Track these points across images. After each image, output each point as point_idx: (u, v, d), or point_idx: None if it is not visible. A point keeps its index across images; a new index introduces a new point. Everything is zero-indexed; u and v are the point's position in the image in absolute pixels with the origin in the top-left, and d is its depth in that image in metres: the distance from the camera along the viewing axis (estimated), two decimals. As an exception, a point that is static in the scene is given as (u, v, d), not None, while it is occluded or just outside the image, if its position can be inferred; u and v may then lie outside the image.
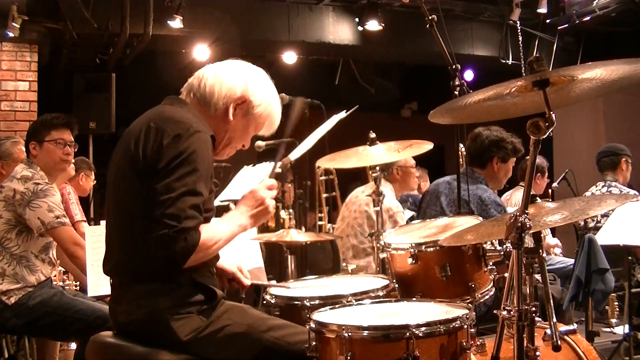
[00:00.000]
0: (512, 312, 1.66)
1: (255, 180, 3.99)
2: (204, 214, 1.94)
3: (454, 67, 2.80)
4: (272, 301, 2.22)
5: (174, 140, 1.89)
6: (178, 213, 1.82)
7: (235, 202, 4.06)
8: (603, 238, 3.88)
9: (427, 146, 2.79)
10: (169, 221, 1.81)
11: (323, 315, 1.91)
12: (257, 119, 2.17)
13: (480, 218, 2.54)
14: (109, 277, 2.08)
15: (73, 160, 3.52)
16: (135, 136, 1.96)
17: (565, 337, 2.28)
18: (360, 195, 4.12)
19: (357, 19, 7.26)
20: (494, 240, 2.32)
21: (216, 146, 2.12)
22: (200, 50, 7.14)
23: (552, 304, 1.82)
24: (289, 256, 2.78)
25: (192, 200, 1.85)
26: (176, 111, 2.02)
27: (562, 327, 2.25)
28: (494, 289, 2.34)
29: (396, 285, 2.32)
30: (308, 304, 2.12)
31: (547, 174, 5.66)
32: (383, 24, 7.01)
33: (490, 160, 3.60)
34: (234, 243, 2.48)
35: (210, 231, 1.91)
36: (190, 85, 2.15)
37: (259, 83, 2.17)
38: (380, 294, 2.20)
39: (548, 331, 1.90)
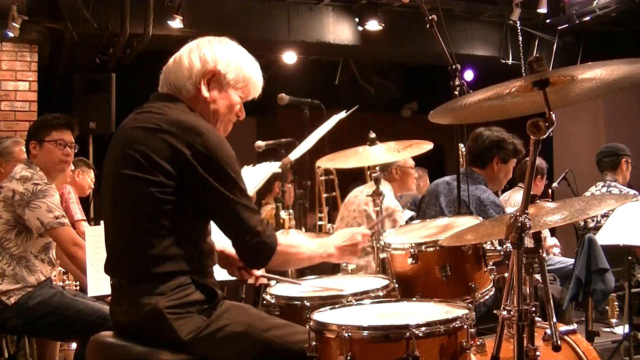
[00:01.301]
0: (512, 312, 1.65)
1: (255, 180, 3.99)
2: None
3: (454, 67, 2.80)
4: (272, 301, 2.21)
5: (206, 147, 1.92)
6: (246, 222, 1.95)
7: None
8: (603, 238, 3.88)
9: (427, 146, 2.79)
10: (247, 238, 1.96)
11: (323, 315, 1.91)
12: (235, 86, 2.12)
13: (480, 218, 2.54)
14: (109, 278, 2.07)
15: (73, 168, 3.52)
16: (140, 140, 1.94)
17: (565, 337, 2.28)
18: (360, 195, 4.12)
19: (357, 19, 7.27)
20: (494, 240, 2.32)
21: None
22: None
23: (552, 304, 1.82)
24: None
25: (252, 205, 1.99)
26: (179, 114, 2.00)
27: (562, 327, 2.25)
28: (494, 289, 2.34)
29: (396, 285, 2.32)
30: (308, 304, 2.12)
31: (546, 175, 5.66)
32: (383, 24, 7.02)
33: (490, 160, 3.59)
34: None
35: (291, 240, 2.12)
36: (161, 80, 2.14)
37: (218, 50, 2.12)
38: (380, 294, 2.19)
39: (548, 331, 1.89)
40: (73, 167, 4.41)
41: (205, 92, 2.08)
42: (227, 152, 1.97)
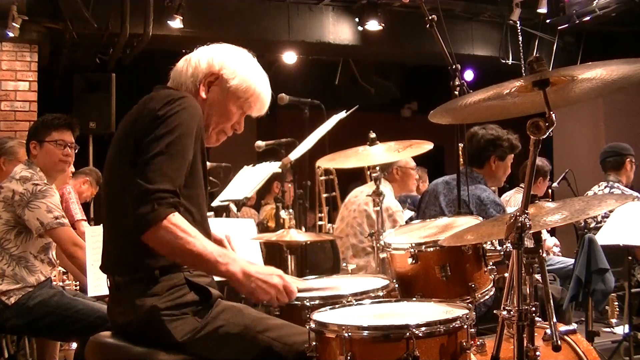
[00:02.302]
0: (512, 312, 1.65)
1: (255, 180, 3.99)
2: (192, 189, 1.91)
3: (454, 67, 2.80)
4: (272, 301, 2.21)
5: (158, 107, 1.86)
6: (149, 173, 1.76)
7: (236, 202, 4.09)
8: (603, 238, 3.88)
9: (427, 146, 2.79)
10: (141, 181, 1.75)
11: (323, 315, 1.91)
12: (235, 94, 2.09)
13: (480, 218, 2.54)
14: (106, 276, 2.08)
15: (73, 169, 3.52)
16: (124, 127, 1.96)
17: (565, 337, 2.28)
18: (360, 195, 4.12)
19: (357, 19, 7.27)
20: (494, 240, 2.32)
21: None
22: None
23: (552, 304, 1.81)
24: (289, 256, 2.78)
25: (167, 162, 1.78)
26: (162, 91, 2.01)
27: (562, 327, 2.25)
28: (494, 289, 2.34)
29: (396, 285, 2.32)
30: (308, 304, 2.12)
31: (549, 177, 5.65)
32: (383, 24, 7.02)
33: (487, 159, 3.59)
34: (233, 242, 2.47)
35: (189, 228, 1.80)
36: (170, 77, 2.15)
37: (228, 57, 2.12)
38: (380, 294, 2.20)
39: (548, 331, 1.89)
40: (73, 168, 4.40)
41: (203, 93, 2.07)
42: (184, 110, 1.86)
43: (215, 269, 1.84)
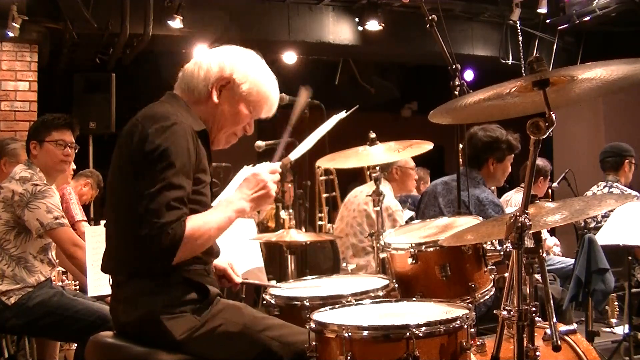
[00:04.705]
0: (512, 312, 1.65)
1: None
2: (196, 205, 1.93)
3: (454, 67, 2.80)
4: (272, 301, 2.21)
5: (151, 136, 1.87)
6: (158, 208, 1.80)
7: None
8: (603, 238, 3.88)
9: (427, 146, 2.79)
10: (151, 218, 1.80)
11: (323, 315, 1.91)
12: (246, 98, 2.11)
13: (480, 218, 2.54)
14: (108, 276, 2.08)
15: (73, 167, 3.52)
16: (125, 134, 1.97)
17: (565, 337, 2.28)
18: (360, 195, 4.13)
19: (357, 19, 7.27)
20: (494, 240, 2.32)
21: (210, 133, 2.11)
22: (200, 50, 7.14)
23: (552, 304, 1.81)
24: (289, 256, 2.78)
25: (172, 194, 1.83)
26: (162, 106, 2.01)
27: (562, 327, 2.25)
28: (494, 289, 2.34)
29: (396, 285, 2.32)
30: (308, 304, 2.12)
31: (549, 177, 5.64)
32: (383, 24, 7.02)
33: (485, 161, 3.58)
34: (233, 242, 2.48)
35: (197, 221, 1.87)
36: (178, 79, 2.15)
37: (240, 61, 2.12)
38: (380, 294, 2.20)
39: (548, 331, 1.89)
40: (74, 166, 4.41)
41: (215, 98, 2.08)
42: (174, 142, 1.88)
43: (230, 222, 1.97)
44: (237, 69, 2.10)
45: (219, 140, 2.16)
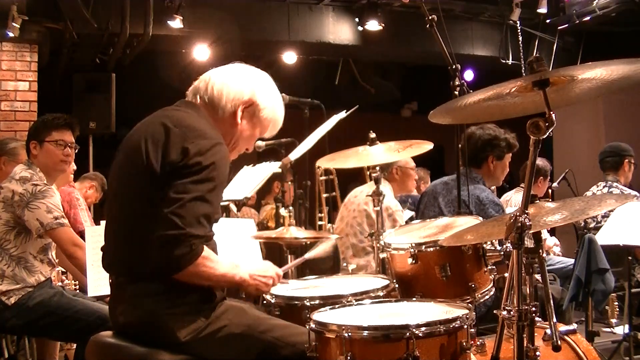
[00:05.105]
0: (512, 312, 1.66)
1: (255, 180, 3.99)
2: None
3: (454, 67, 2.80)
4: (272, 301, 2.22)
5: (199, 150, 1.89)
6: (186, 216, 1.82)
7: (236, 202, 4.09)
8: (603, 238, 3.88)
9: (427, 146, 2.79)
10: (177, 221, 1.81)
11: (323, 315, 1.91)
12: (262, 122, 2.20)
13: (480, 218, 2.54)
14: (108, 276, 2.08)
15: (74, 167, 3.52)
16: (151, 137, 1.95)
17: (565, 337, 2.28)
18: (360, 195, 4.12)
19: (357, 19, 7.27)
20: (494, 240, 2.32)
21: None
22: (200, 50, 7.14)
23: (552, 304, 1.81)
24: (289, 256, 2.78)
25: (204, 209, 1.86)
26: (196, 120, 2.02)
27: (562, 327, 2.25)
28: (494, 289, 2.34)
29: (396, 285, 2.32)
30: (308, 304, 2.13)
31: (549, 177, 5.65)
32: (383, 24, 7.02)
33: (485, 160, 3.59)
34: (233, 242, 2.48)
35: (212, 256, 1.93)
36: (197, 89, 2.15)
37: (265, 86, 2.20)
38: (380, 294, 2.20)
39: (548, 331, 1.89)
40: (75, 167, 4.40)
41: (239, 119, 2.13)
42: (219, 162, 1.92)
43: (233, 280, 2.01)
44: (263, 94, 2.17)
45: (230, 156, 2.20)
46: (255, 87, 2.16)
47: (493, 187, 3.82)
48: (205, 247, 1.89)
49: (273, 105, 2.20)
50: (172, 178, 1.87)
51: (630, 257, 3.98)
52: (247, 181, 4.06)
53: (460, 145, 3.11)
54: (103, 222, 2.16)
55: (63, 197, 4.04)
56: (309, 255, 2.45)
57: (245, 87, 2.14)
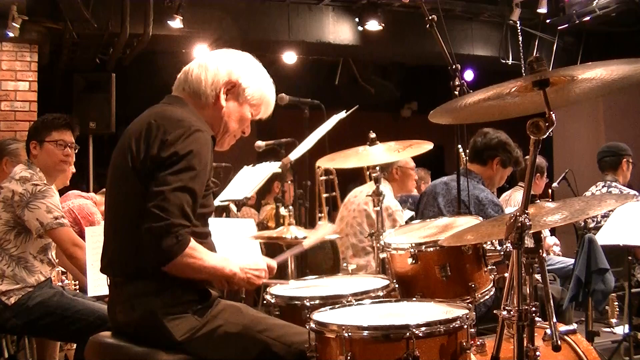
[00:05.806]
0: (512, 312, 1.65)
1: (255, 180, 3.99)
2: (202, 209, 1.95)
3: (454, 67, 2.79)
4: (272, 301, 2.22)
5: (174, 139, 1.89)
6: (169, 207, 1.82)
7: (236, 202, 4.09)
8: (603, 238, 3.88)
9: (427, 146, 2.79)
10: (160, 213, 1.81)
11: (323, 315, 1.91)
12: (250, 101, 2.18)
13: (480, 218, 2.54)
14: (106, 276, 2.09)
15: (73, 170, 3.51)
16: (135, 135, 1.97)
17: (565, 337, 2.28)
18: (360, 195, 4.12)
19: (357, 19, 7.27)
20: (494, 240, 2.32)
21: (216, 137, 2.12)
22: (200, 50, 7.13)
23: (552, 304, 1.81)
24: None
25: (186, 198, 1.85)
26: (176, 110, 2.03)
27: (562, 327, 2.25)
28: (494, 289, 2.34)
29: (396, 285, 2.32)
30: (308, 304, 2.12)
31: (546, 173, 5.65)
32: (383, 24, 7.02)
33: (491, 159, 3.61)
34: (233, 242, 2.48)
35: (200, 248, 1.92)
36: (179, 81, 2.17)
37: (244, 65, 2.18)
38: (380, 294, 2.20)
39: (548, 331, 1.90)
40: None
41: (222, 102, 2.12)
42: (197, 149, 1.91)
43: (223, 274, 2.00)
44: (242, 72, 2.15)
45: (223, 143, 2.20)
46: (234, 67, 2.14)
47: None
48: (192, 239, 1.88)
49: (258, 83, 2.18)
50: (155, 172, 1.88)
51: (630, 257, 3.98)
52: (247, 181, 4.06)
53: (460, 146, 3.11)
54: (103, 223, 2.17)
55: (79, 213, 4.03)
56: (307, 243, 2.44)
57: (222, 69, 2.13)
